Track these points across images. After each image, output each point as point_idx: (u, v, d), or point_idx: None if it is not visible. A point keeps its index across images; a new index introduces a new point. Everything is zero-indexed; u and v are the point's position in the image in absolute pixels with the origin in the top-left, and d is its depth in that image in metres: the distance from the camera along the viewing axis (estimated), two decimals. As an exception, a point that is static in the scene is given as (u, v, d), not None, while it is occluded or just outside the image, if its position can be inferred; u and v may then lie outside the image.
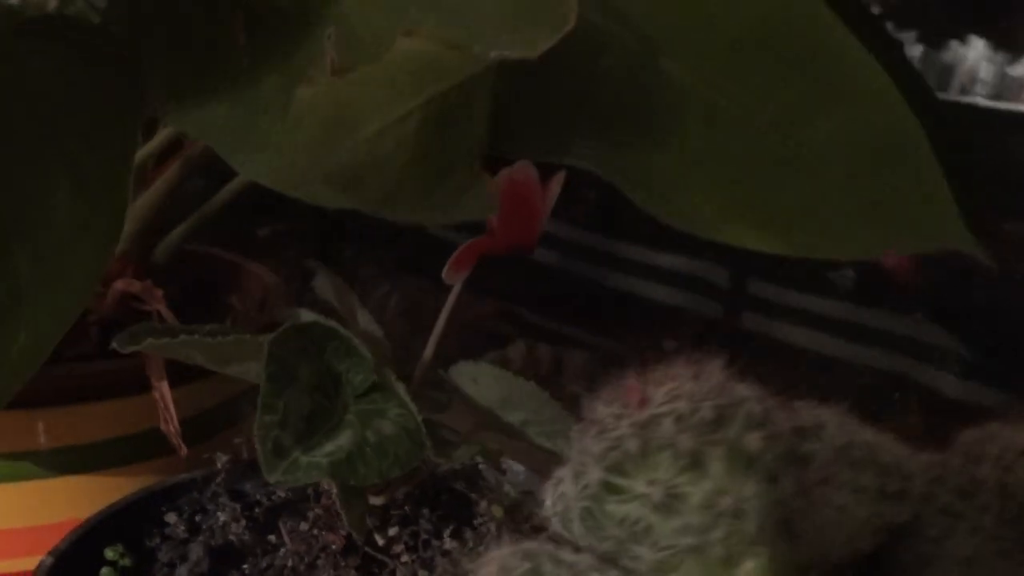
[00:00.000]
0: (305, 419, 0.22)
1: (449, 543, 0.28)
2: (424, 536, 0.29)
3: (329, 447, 0.22)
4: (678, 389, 0.18)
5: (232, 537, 0.29)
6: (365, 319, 0.29)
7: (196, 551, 0.28)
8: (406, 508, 0.29)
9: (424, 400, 0.28)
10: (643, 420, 0.18)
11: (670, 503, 0.17)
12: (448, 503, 0.30)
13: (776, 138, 0.28)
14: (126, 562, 0.27)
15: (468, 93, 0.20)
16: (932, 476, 0.19)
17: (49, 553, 0.26)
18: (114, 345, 0.23)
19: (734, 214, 0.26)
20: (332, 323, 0.24)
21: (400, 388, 0.24)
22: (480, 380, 0.29)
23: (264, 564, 0.28)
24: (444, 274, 0.28)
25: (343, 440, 0.22)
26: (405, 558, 0.28)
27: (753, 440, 0.18)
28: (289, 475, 0.21)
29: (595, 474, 0.18)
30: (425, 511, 0.30)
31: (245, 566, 0.28)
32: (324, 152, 0.16)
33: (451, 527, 0.29)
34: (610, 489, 0.18)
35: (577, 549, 0.19)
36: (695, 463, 0.17)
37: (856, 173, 0.28)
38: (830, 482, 0.19)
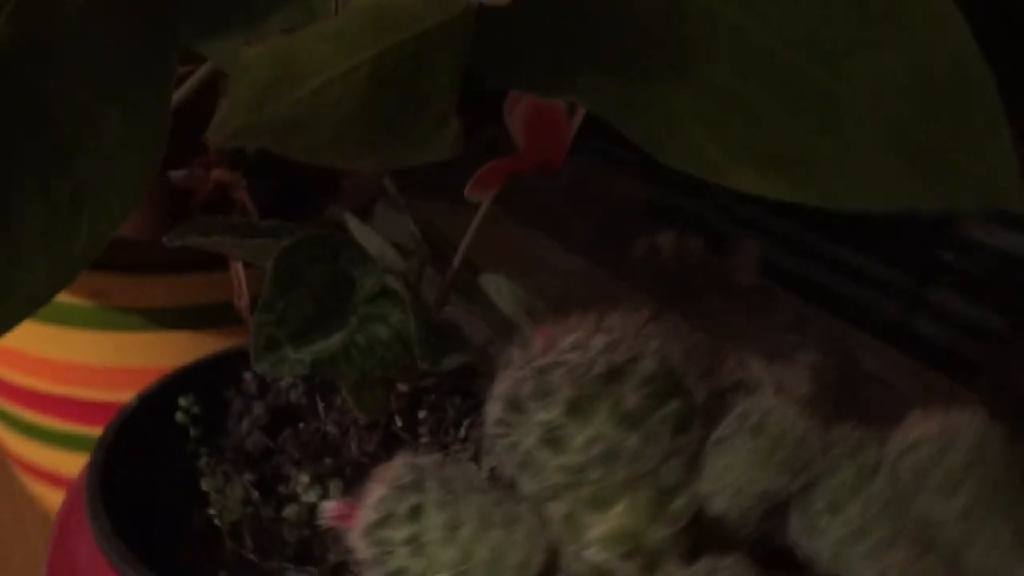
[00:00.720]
0: (307, 319, 0.26)
1: (467, 431, 0.32)
2: (447, 423, 0.32)
3: (320, 345, 0.25)
4: (581, 340, 0.20)
5: (291, 399, 0.34)
6: (412, 228, 0.32)
7: (259, 408, 0.34)
8: (434, 396, 0.33)
9: (447, 304, 0.31)
10: (542, 366, 0.20)
11: (553, 442, 0.19)
12: (476, 395, 0.33)
13: (814, 72, 0.26)
14: (196, 410, 0.32)
15: (433, 40, 0.21)
16: (833, 450, 0.20)
17: (137, 394, 0.32)
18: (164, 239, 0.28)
19: (744, 156, 0.26)
20: (346, 234, 0.27)
21: (404, 294, 0.27)
22: (502, 291, 0.31)
23: (312, 427, 0.33)
24: (467, 191, 0.29)
25: (334, 340, 0.25)
26: (426, 439, 0.32)
27: (632, 398, 0.19)
28: (275, 367, 0.24)
29: (496, 409, 0.20)
30: (456, 399, 0.33)
31: (300, 425, 0.33)
32: (261, 107, 0.18)
33: (472, 417, 0.32)
34: (505, 423, 0.20)
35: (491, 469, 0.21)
36: (578, 410, 0.19)
37: (905, 115, 0.26)
38: (721, 443, 0.20)
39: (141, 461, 0.31)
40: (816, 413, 0.20)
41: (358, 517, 0.19)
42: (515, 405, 0.20)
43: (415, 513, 0.19)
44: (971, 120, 0.26)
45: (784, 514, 0.20)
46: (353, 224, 0.30)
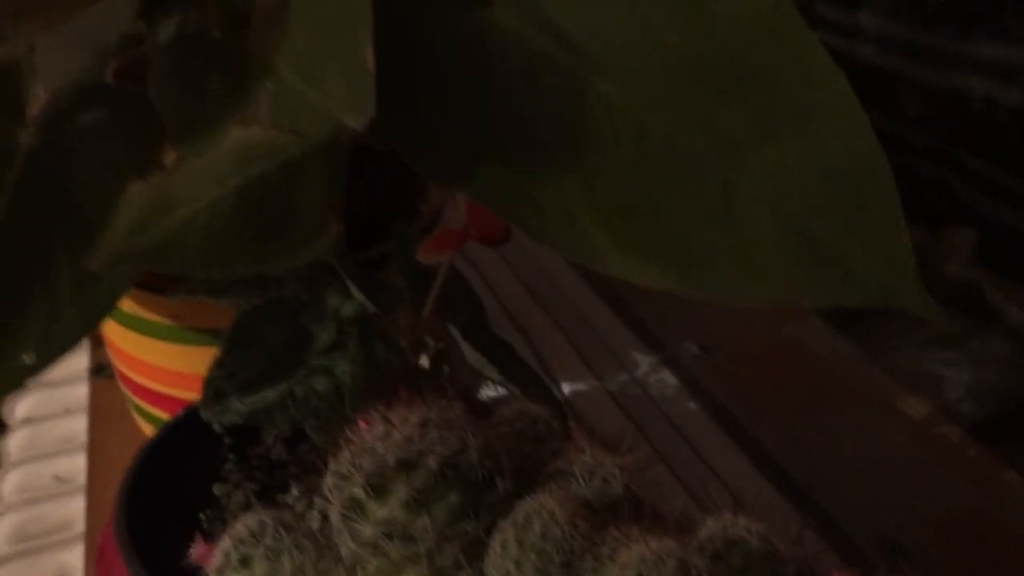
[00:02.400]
0: (260, 373, 0.31)
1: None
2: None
3: (259, 397, 0.30)
4: (382, 433, 0.23)
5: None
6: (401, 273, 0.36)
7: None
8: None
9: (421, 352, 0.34)
10: (358, 451, 0.23)
11: (355, 516, 0.23)
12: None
13: (713, 164, 0.27)
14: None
15: (298, 165, 0.24)
16: (600, 550, 0.21)
17: (186, 407, 0.39)
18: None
19: (633, 247, 0.27)
20: (309, 285, 0.32)
21: (355, 348, 0.31)
22: (463, 344, 0.34)
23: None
24: (419, 255, 0.33)
25: (274, 392, 0.30)
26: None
27: (419, 487, 0.22)
28: (219, 416, 0.29)
29: (327, 481, 0.24)
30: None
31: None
32: (136, 235, 0.23)
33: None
34: (334, 491, 0.24)
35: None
36: (377, 491, 0.23)
37: (801, 207, 0.26)
38: (498, 533, 0.22)
39: (175, 473, 0.38)
40: (591, 515, 0.22)
41: (212, 559, 0.24)
42: (336, 479, 0.23)
43: (245, 562, 0.23)
44: (868, 214, 0.26)
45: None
46: (338, 267, 0.35)
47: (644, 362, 0.66)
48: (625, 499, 0.23)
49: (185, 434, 0.39)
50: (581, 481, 0.24)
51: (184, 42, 0.30)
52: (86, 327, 0.33)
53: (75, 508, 0.62)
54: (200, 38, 0.30)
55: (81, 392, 0.73)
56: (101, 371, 0.71)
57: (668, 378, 0.64)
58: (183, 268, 0.24)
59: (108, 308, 0.33)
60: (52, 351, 0.33)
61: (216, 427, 0.39)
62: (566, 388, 0.61)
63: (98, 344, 0.78)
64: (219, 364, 0.30)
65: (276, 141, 0.24)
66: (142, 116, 0.31)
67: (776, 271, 0.26)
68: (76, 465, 0.65)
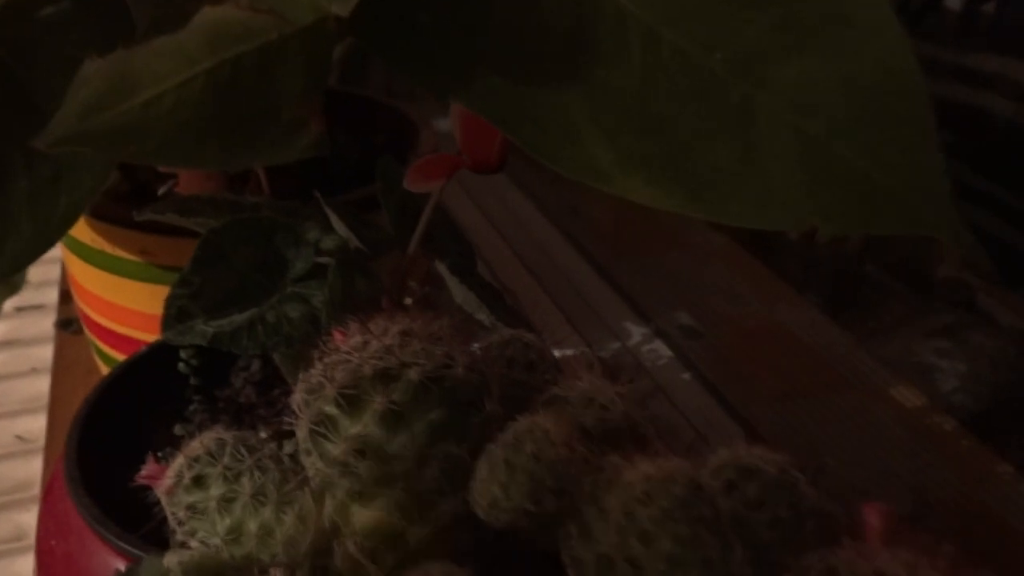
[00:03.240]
0: (227, 295, 0.28)
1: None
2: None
3: (227, 320, 0.28)
4: (360, 343, 0.21)
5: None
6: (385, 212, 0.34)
7: (256, 364, 0.37)
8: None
9: (404, 290, 0.32)
10: (331, 362, 0.21)
11: (324, 433, 0.21)
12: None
13: (731, 79, 0.25)
14: (194, 361, 0.36)
15: (277, 51, 0.22)
16: (598, 477, 0.19)
17: (148, 345, 0.37)
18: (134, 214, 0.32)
19: (636, 165, 0.25)
20: (288, 212, 0.29)
21: (333, 275, 0.29)
22: (452, 280, 0.32)
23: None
24: (406, 181, 0.31)
25: (243, 316, 0.28)
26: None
27: (396, 400, 0.20)
28: (181, 336, 0.27)
29: (296, 397, 0.22)
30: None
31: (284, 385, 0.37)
32: (90, 117, 0.20)
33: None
34: (300, 410, 0.21)
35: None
36: (350, 406, 0.20)
37: (827, 128, 0.24)
38: (487, 456, 0.20)
39: (135, 411, 0.35)
40: (589, 440, 0.20)
41: (163, 480, 0.21)
42: (305, 394, 0.21)
43: (199, 482, 0.21)
44: (900, 134, 0.24)
45: (555, 532, 0.20)
46: (321, 202, 0.33)
47: (636, 333, 0.64)
48: (626, 428, 0.21)
49: (147, 372, 0.36)
50: (578, 408, 0.21)
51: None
52: (42, 243, 0.30)
53: (35, 468, 0.60)
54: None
55: (49, 352, 0.70)
56: (68, 325, 0.69)
57: (661, 348, 0.62)
58: (144, 155, 0.21)
59: (67, 223, 0.30)
60: (3, 267, 0.30)
61: (181, 367, 0.37)
62: (556, 353, 0.59)
63: (67, 299, 0.75)
64: (183, 282, 0.27)
65: (253, 22, 0.22)
66: (109, 9, 0.28)
67: (795, 194, 0.24)
68: (39, 424, 0.63)
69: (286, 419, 0.35)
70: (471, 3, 0.25)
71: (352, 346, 0.21)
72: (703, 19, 0.25)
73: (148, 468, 0.22)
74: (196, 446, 0.21)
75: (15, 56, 0.28)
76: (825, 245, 1.00)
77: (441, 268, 0.32)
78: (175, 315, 0.27)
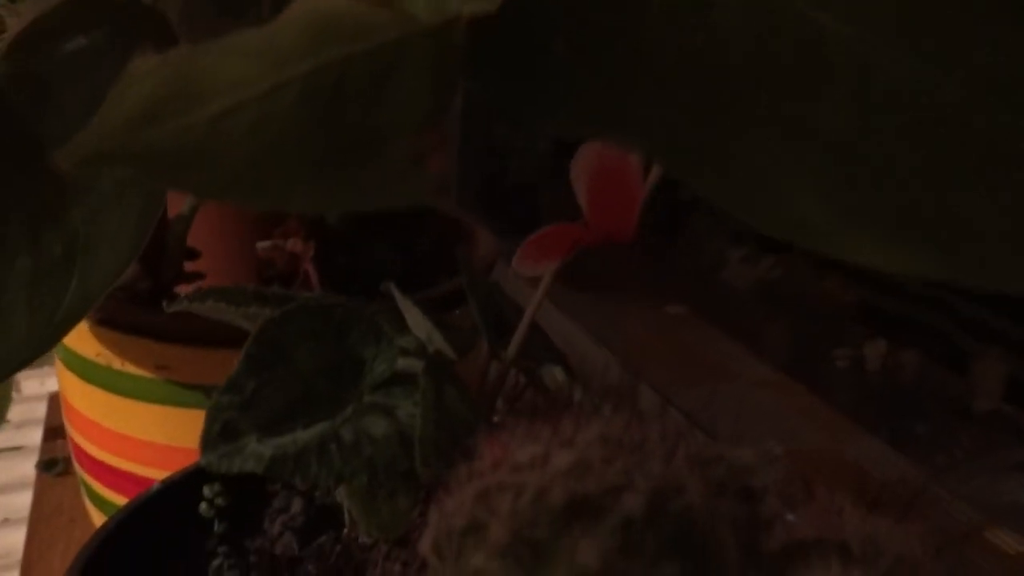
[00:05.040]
0: (288, 405, 0.21)
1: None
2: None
3: (289, 438, 0.20)
4: (540, 454, 0.13)
5: (338, 498, 0.29)
6: (473, 305, 0.27)
7: (298, 505, 0.29)
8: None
9: (496, 400, 0.25)
10: (488, 488, 0.14)
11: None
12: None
13: (965, 117, 0.19)
14: (220, 501, 0.29)
15: (394, 58, 0.16)
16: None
17: (161, 480, 0.29)
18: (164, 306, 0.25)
19: (856, 219, 0.19)
20: (358, 305, 0.23)
21: (424, 381, 0.22)
22: (561, 383, 0.25)
23: (344, 535, 0.28)
24: (515, 262, 0.24)
25: (310, 433, 0.20)
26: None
27: (602, 551, 0.12)
28: (225, 460, 0.20)
29: (426, 541, 0.14)
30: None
31: (332, 532, 0.29)
32: (141, 130, 0.14)
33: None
34: (437, 559, 0.14)
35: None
36: (521, 560, 0.13)
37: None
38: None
39: (143, 568, 0.27)
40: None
41: None
42: (442, 542, 0.14)
43: None
44: None
45: None
46: (398, 297, 0.26)
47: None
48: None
49: (158, 518, 0.28)
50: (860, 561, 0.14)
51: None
52: (39, 343, 0.23)
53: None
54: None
55: (27, 499, 0.61)
56: (52, 466, 0.60)
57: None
58: (213, 188, 0.15)
59: (73, 318, 0.23)
60: (-12, 374, 0.23)
61: (204, 508, 0.29)
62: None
63: (52, 436, 0.67)
64: (232, 387, 0.20)
65: (369, 18, 0.16)
66: (152, 39, 0.22)
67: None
68: (9, 585, 0.53)
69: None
70: (628, 24, 0.20)
71: (526, 460, 0.13)
72: (939, 46, 0.19)
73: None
74: None
75: (27, 99, 0.22)
76: (878, 374, 0.93)
77: (548, 374, 0.25)
78: (220, 431, 0.20)
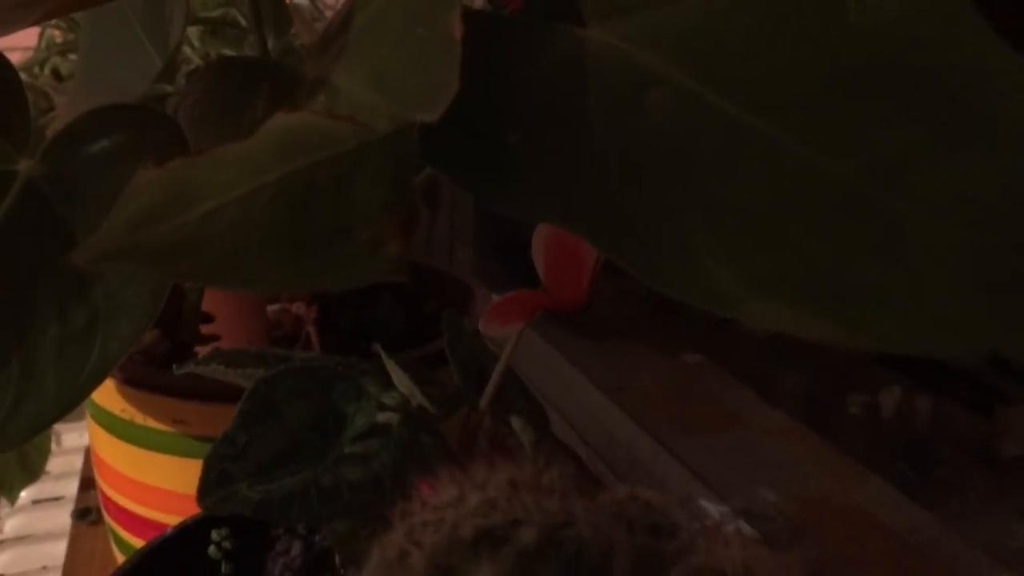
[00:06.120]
0: (277, 456, 0.24)
1: None
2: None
3: (276, 485, 0.23)
4: (456, 497, 0.16)
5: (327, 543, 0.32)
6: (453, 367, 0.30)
7: (297, 548, 0.32)
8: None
9: (471, 447, 0.28)
10: (417, 523, 0.16)
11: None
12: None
13: (872, 192, 0.22)
14: (227, 544, 0.31)
15: (355, 161, 0.19)
16: None
17: (175, 526, 0.32)
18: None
19: (764, 287, 0.21)
20: (345, 365, 0.26)
21: (401, 432, 0.24)
22: (526, 437, 0.28)
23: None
24: (481, 324, 0.27)
25: (294, 480, 0.23)
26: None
27: (504, 573, 0.15)
28: (219, 504, 0.22)
29: (367, 571, 0.17)
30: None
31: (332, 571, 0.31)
32: (142, 230, 0.17)
33: None
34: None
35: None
36: (440, 584, 0.15)
37: (993, 242, 0.21)
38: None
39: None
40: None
41: None
42: (377, 571, 0.16)
43: None
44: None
45: None
46: (384, 357, 0.29)
47: (714, 512, 0.58)
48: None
49: (171, 560, 0.31)
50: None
51: (225, 66, 0.26)
52: (67, 401, 0.26)
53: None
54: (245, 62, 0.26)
55: (63, 548, 0.64)
56: (86, 515, 0.63)
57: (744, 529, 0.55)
58: (198, 273, 0.18)
59: (97, 378, 0.26)
60: (18, 432, 0.26)
61: (212, 551, 0.32)
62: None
63: (87, 486, 0.70)
64: (226, 441, 0.23)
65: (331, 130, 0.19)
66: (165, 142, 0.26)
67: (968, 313, 0.20)
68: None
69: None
70: (568, 119, 0.23)
71: (445, 501, 0.16)
72: (831, 126, 0.22)
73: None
74: None
75: (59, 193, 0.26)
76: (890, 420, 0.93)
77: (516, 424, 0.28)
78: (215, 479, 0.22)
